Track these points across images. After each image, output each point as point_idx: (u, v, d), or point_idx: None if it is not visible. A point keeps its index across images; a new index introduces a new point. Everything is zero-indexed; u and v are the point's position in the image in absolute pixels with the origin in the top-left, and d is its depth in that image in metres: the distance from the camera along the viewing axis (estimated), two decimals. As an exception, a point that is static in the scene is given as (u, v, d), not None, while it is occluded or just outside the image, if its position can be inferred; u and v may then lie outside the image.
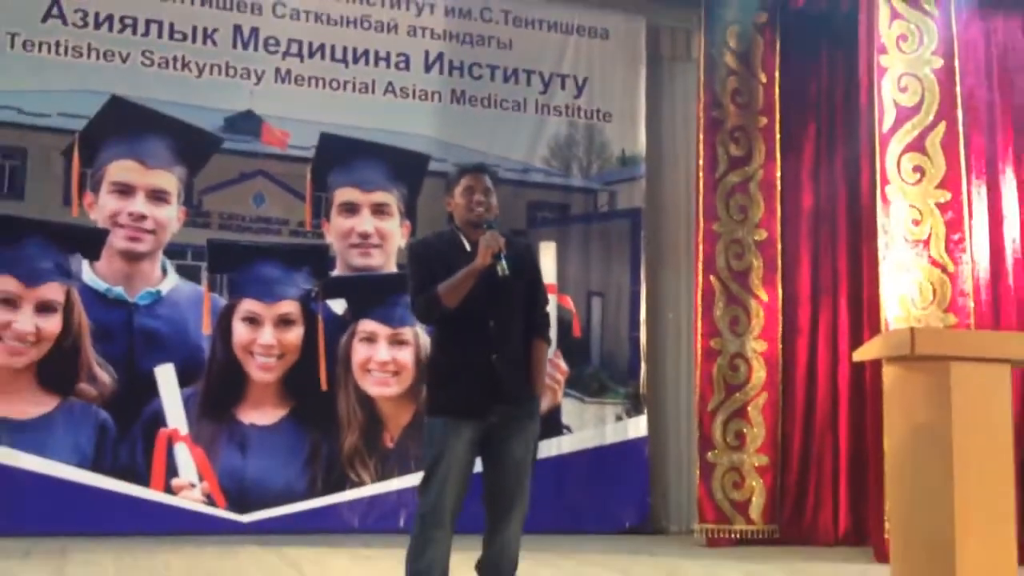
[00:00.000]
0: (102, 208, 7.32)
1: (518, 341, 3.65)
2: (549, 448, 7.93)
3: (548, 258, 8.16)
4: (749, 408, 7.42)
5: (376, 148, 7.89)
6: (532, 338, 3.72)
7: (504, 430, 3.59)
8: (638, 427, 8.22)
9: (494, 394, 3.57)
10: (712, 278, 7.51)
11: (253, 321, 7.51)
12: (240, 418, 7.42)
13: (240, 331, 7.48)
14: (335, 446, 7.55)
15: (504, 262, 3.51)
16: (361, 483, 7.56)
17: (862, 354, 4.00)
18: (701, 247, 7.56)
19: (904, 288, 6.68)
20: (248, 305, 7.52)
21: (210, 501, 7.27)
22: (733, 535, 7.25)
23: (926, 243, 6.75)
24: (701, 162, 7.63)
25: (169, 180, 7.49)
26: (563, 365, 8.08)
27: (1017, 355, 3.82)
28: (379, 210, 7.85)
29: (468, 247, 3.62)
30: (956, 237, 6.77)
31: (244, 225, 7.64)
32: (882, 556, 6.42)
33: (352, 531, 7.43)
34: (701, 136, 7.66)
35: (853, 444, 7.61)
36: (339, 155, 7.81)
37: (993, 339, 3.81)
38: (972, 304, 6.73)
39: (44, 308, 7.09)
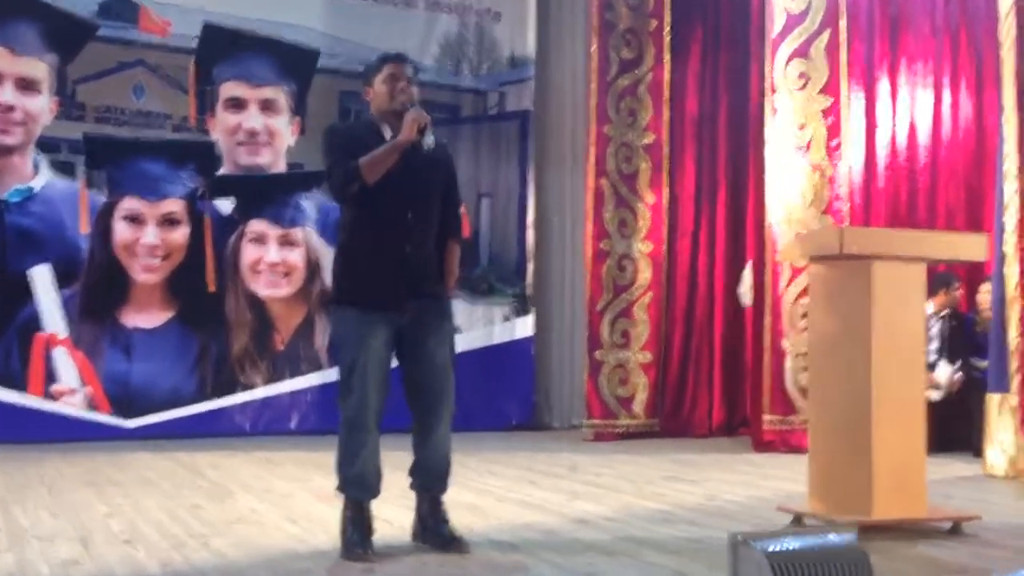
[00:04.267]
0: (-35, 98, 6.84)
1: (432, 238, 3.53)
2: (440, 348, 8.00)
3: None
4: (635, 307, 7.66)
5: (264, 41, 7.61)
6: (446, 237, 3.61)
7: (420, 331, 3.45)
8: (525, 327, 8.39)
9: (408, 287, 3.42)
10: (603, 181, 7.64)
11: (135, 220, 7.22)
12: (123, 321, 7.18)
13: (121, 230, 7.19)
14: (224, 349, 7.42)
15: (430, 138, 3.40)
16: (252, 386, 7.48)
17: (785, 255, 4.21)
18: (592, 150, 7.66)
19: (786, 192, 6.97)
20: (129, 203, 7.22)
21: (93, 406, 7.05)
22: (618, 430, 7.54)
23: (807, 147, 7.03)
24: (594, 64, 7.67)
25: (39, 68, 7.04)
26: (454, 264, 8.11)
27: (931, 254, 4.10)
28: (267, 106, 7.60)
29: (387, 136, 3.45)
30: (834, 143, 7.08)
31: (123, 119, 7.27)
32: (760, 445, 6.84)
33: (243, 434, 7.36)
34: (594, 38, 7.68)
35: (728, 342, 8.01)
36: (224, 47, 7.49)
37: (911, 239, 4.06)
38: (847, 207, 7.10)
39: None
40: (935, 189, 7.45)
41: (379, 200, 3.39)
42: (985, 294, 6.61)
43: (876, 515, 3.80)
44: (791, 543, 1.69)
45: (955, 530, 3.90)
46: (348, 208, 3.49)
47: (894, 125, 7.40)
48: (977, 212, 7.35)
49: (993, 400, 5.69)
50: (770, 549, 1.66)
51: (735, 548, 1.71)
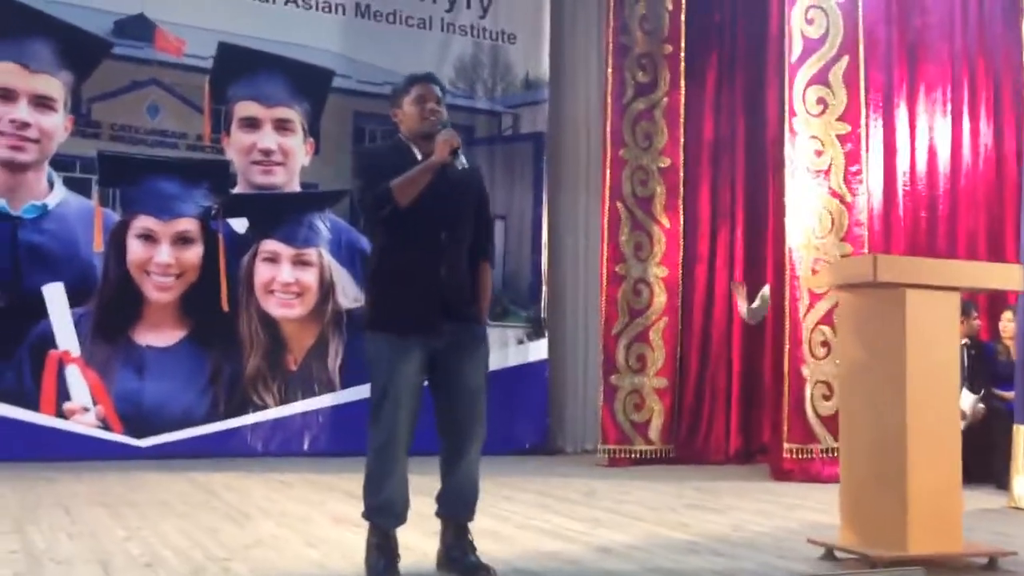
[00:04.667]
0: (-19, 115, 6.81)
1: (465, 259, 3.46)
2: (452, 370, 7.94)
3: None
4: (651, 332, 7.60)
5: (278, 61, 7.59)
6: (478, 260, 3.52)
7: (455, 355, 3.37)
8: (539, 350, 8.33)
9: (444, 310, 3.34)
10: (618, 204, 7.59)
11: (149, 239, 7.18)
12: (136, 340, 7.13)
13: (135, 249, 7.15)
14: (237, 368, 7.36)
15: (462, 158, 3.33)
16: (264, 406, 7.41)
17: (814, 282, 4.15)
18: (608, 173, 7.62)
19: (805, 217, 6.92)
20: (143, 222, 7.18)
21: (105, 425, 6.99)
22: (633, 455, 7.46)
23: (827, 173, 6.99)
24: (610, 88, 7.64)
25: (54, 86, 7.01)
26: (467, 288, 8.06)
27: (965, 283, 4.04)
28: (282, 126, 7.58)
29: (419, 157, 3.40)
30: (854, 169, 7.04)
31: (138, 137, 7.24)
32: (779, 474, 6.75)
33: (255, 455, 7.29)
34: (610, 61, 7.66)
35: (745, 368, 7.94)
36: (239, 67, 7.48)
37: (944, 268, 4.00)
38: (866, 233, 7.05)
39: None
40: (955, 216, 7.41)
41: (411, 222, 3.33)
42: (1007, 322, 6.55)
43: (911, 550, 3.71)
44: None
45: (991, 565, 3.83)
46: (380, 231, 3.42)
47: (913, 152, 7.37)
48: (999, 240, 7.32)
49: (1020, 431, 5.61)
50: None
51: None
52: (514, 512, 4.93)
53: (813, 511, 5.30)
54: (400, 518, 3.37)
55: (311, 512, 4.85)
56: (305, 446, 7.47)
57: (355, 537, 4.12)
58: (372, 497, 3.36)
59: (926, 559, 3.74)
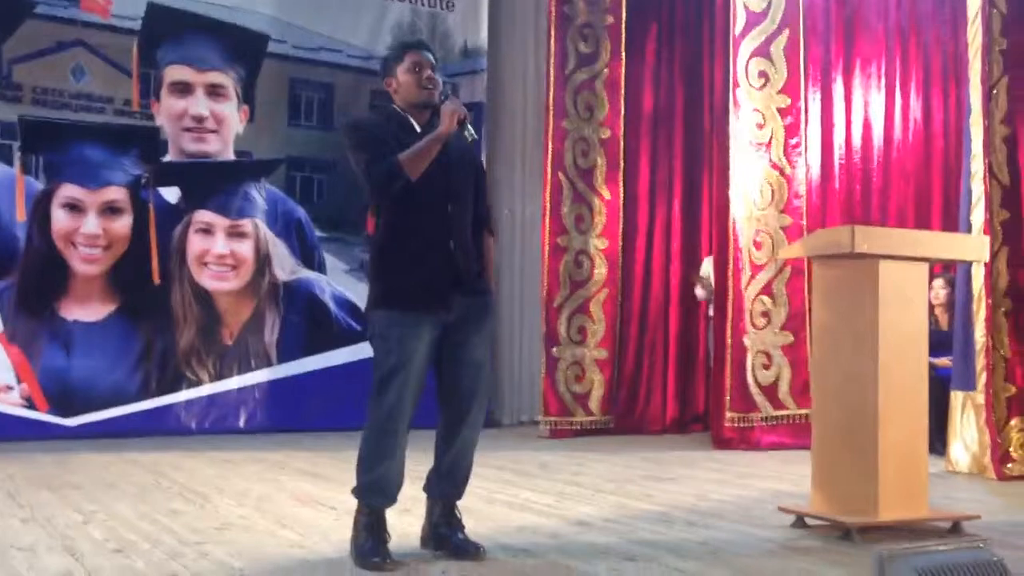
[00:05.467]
0: None
1: (470, 231, 3.41)
2: (391, 344, 7.83)
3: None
4: (591, 304, 7.61)
5: (210, 24, 7.32)
6: (481, 230, 3.49)
7: (464, 328, 3.31)
8: (476, 322, 8.24)
9: (455, 283, 3.27)
10: (560, 175, 7.56)
11: (75, 208, 6.88)
12: (63, 314, 6.84)
13: (60, 219, 6.84)
14: (170, 344, 7.12)
15: (470, 129, 3.27)
16: (199, 382, 7.20)
17: (789, 252, 4.18)
18: (550, 144, 7.57)
19: (747, 189, 6.99)
20: (68, 191, 6.87)
21: (30, 404, 6.69)
22: (574, 426, 7.48)
23: (768, 146, 7.07)
24: (552, 58, 7.58)
25: (-29, 47, 6.62)
26: (405, 260, 7.94)
27: (935, 254, 4.12)
28: (214, 92, 7.32)
29: (419, 128, 3.31)
30: (794, 141, 7.13)
31: (62, 101, 6.91)
32: (721, 443, 6.85)
33: (189, 433, 7.08)
34: (552, 32, 7.59)
35: (681, 339, 8.02)
36: (169, 29, 7.19)
37: (917, 240, 4.06)
38: (805, 205, 7.16)
39: None
40: (887, 189, 7.55)
41: (418, 196, 3.23)
42: (938, 290, 6.71)
43: (882, 516, 3.78)
44: (938, 559, 1.62)
45: (955, 529, 3.93)
46: (386, 206, 3.30)
47: (849, 126, 7.48)
48: (926, 212, 7.50)
49: (957, 398, 5.78)
50: (919, 566, 1.58)
51: (881, 565, 1.63)
52: (478, 487, 4.83)
53: (765, 479, 5.38)
54: (392, 498, 3.29)
55: (269, 491, 4.71)
56: (241, 423, 7.28)
57: (326, 517, 4.05)
58: (366, 475, 3.26)
59: (895, 524, 3.83)
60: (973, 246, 4.17)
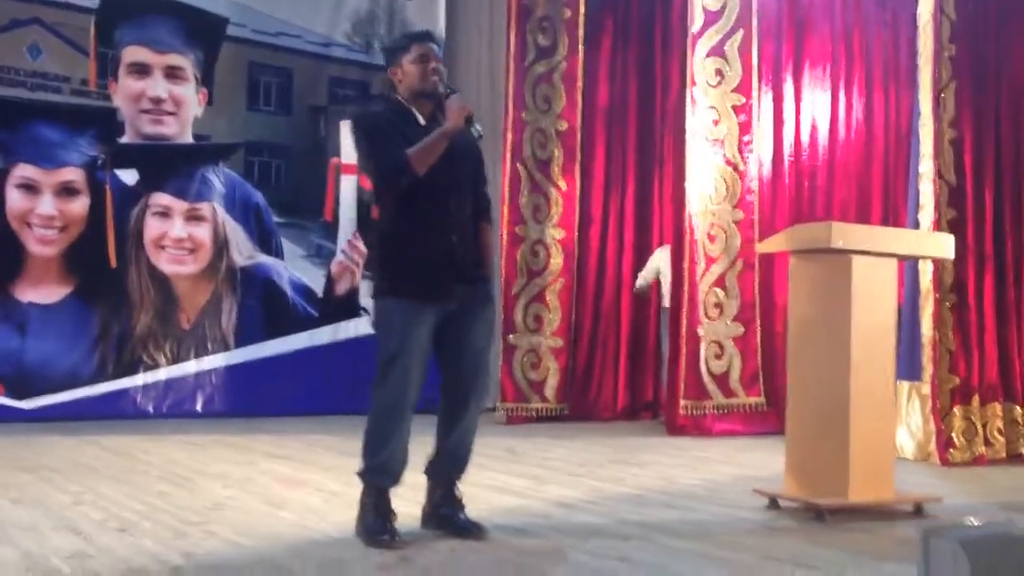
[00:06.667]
0: None
1: (470, 222, 3.52)
2: (347, 330, 7.89)
3: (349, 137, 7.92)
4: (547, 293, 7.75)
5: (169, 5, 7.27)
6: (479, 220, 3.59)
7: (466, 316, 3.40)
8: (431, 309, 8.32)
9: (457, 274, 3.38)
10: (519, 166, 7.67)
11: (30, 188, 6.78)
12: (17, 296, 6.74)
13: (15, 199, 6.73)
14: (127, 327, 7.06)
15: (478, 125, 3.37)
16: (155, 366, 7.15)
17: (767, 246, 4.35)
18: (509, 135, 7.67)
19: (703, 184, 7.20)
20: (24, 170, 6.76)
21: (-17, 386, 6.58)
22: (530, 413, 7.62)
23: (722, 142, 7.28)
24: (511, 50, 7.68)
25: (-77, 21, 6.47)
26: (361, 246, 8.00)
27: (904, 251, 4.35)
28: (173, 74, 7.26)
29: (422, 120, 3.40)
30: (746, 138, 7.36)
31: (17, 80, 6.79)
32: (674, 429, 7.05)
33: (146, 417, 7.04)
34: (512, 24, 7.69)
35: (632, 328, 8.21)
36: (128, 9, 7.11)
37: (888, 237, 4.28)
38: (756, 200, 7.40)
39: None
40: (832, 186, 7.84)
41: (421, 188, 3.31)
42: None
43: (852, 498, 3.99)
44: (977, 533, 1.77)
45: (918, 511, 4.16)
46: (389, 196, 3.38)
47: (798, 124, 7.74)
48: (866, 209, 7.81)
49: (902, 387, 6.05)
50: (962, 538, 1.73)
51: (927, 541, 1.77)
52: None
53: (725, 464, 5.59)
54: (397, 478, 3.37)
55: (249, 474, 4.75)
56: (199, 407, 7.26)
57: (315, 499, 4.12)
58: (372, 457, 3.34)
59: (864, 506, 4.05)
60: (940, 244, 4.40)
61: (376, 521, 3.30)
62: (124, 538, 3.29)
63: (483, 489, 4.46)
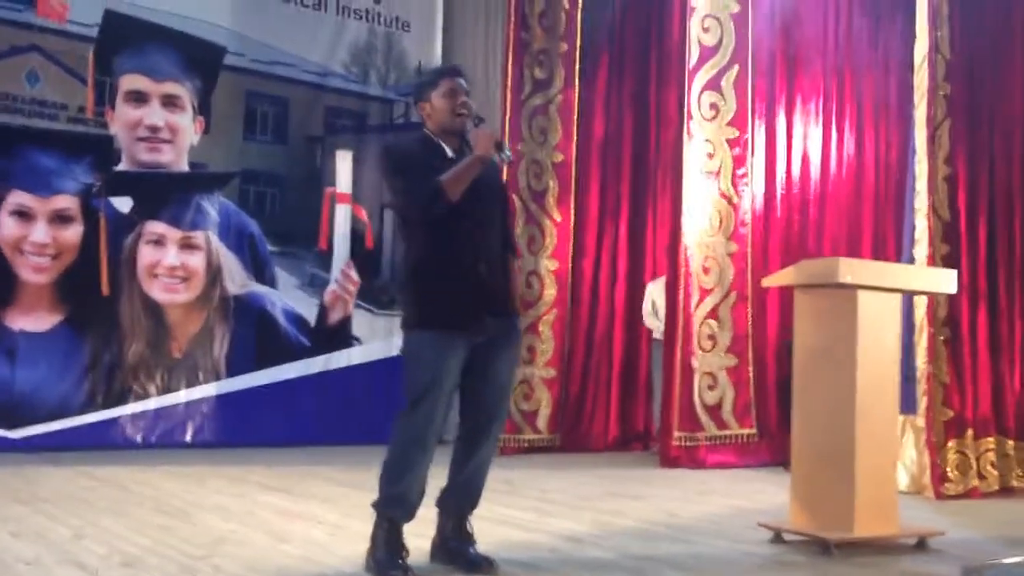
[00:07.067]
0: None
1: (498, 254, 3.50)
2: (340, 360, 7.86)
3: (345, 167, 7.96)
4: (540, 324, 7.74)
5: (168, 33, 7.25)
6: (507, 253, 3.58)
7: (494, 349, 3.39)
8: (424, 340, 8.30)
9: (487, 306, 3.40)
10: (514, 197, 7.68)
11: (24, 215, 6.73)
12: (8, 323, 6.67)
13: (9, 226, 6.68)
14: (117, 356, 7.00)
15: (507, 152, 3.38)
16: (146, 396, 7.08)
17: (774, 280, 4.38)
18: (505, 166, 7.68)
19: (697, 217, 7.24)
20: (18, 197, 6.72)
21: (-28, 415, 6.50)
22: (522, 443, 7.60)
23: (717, 175, 7.34)
24: (509, 82, 7.72)
25: (-80, 47, 6.44)
26: (355, 276, 7.99)
27: (907, 286, 4.38)
28: (170, 102, 7.25)
29: (450, 154, 3.42)
30: (740, 172, 7.41)
31: (15, 106, 6.75)
32: (668, 461, 7.04)
33: (135, 447, 6.97)
34: (510, 56, 7.73)
35: (624, 360, 8.22)
36: (126, 37, 7.10)
37: (894, 272, 4.31)
38: (750, 233, 7.44)
39: None
40: (823, 220, 7.90)
41: (451, 220, 3.31)
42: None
43: (857, 532, 4.00)
44: (1016, 572, 1.77)
45: (921, 545, 4.16)
46: (420, 229, 3.37)
47: (789, 158, 7.81)
48: (856, 243, 7.86)
49: (898, 420, 6.07)
50: None
51: None
52: (453, 502, 4.94)
53: (723, 496, 5.59)
54: (412, 512, 3.36)
55: (247, 507, 4.70)
56: (188, 437, 7.19)
57: (319, 532, 4.08)
58: (390, 487, 3.32)
59: (869, 540, 4.05)
60: (942, 279, 4.44)
61: (388, 556, 3.28)
62: (131, 573, 3.24)
63: (485, 522, 4.41)
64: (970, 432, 5.97)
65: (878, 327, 4.10)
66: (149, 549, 3.62)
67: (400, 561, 3.27)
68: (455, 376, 3.36)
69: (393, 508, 3.32)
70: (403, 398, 3.38)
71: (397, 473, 3.34)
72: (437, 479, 3.50)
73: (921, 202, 6.04)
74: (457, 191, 3.28)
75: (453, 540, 3.46)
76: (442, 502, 3.48)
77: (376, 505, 3.35)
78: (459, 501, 3.47)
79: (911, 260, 6.09)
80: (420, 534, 3.49)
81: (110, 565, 3.35)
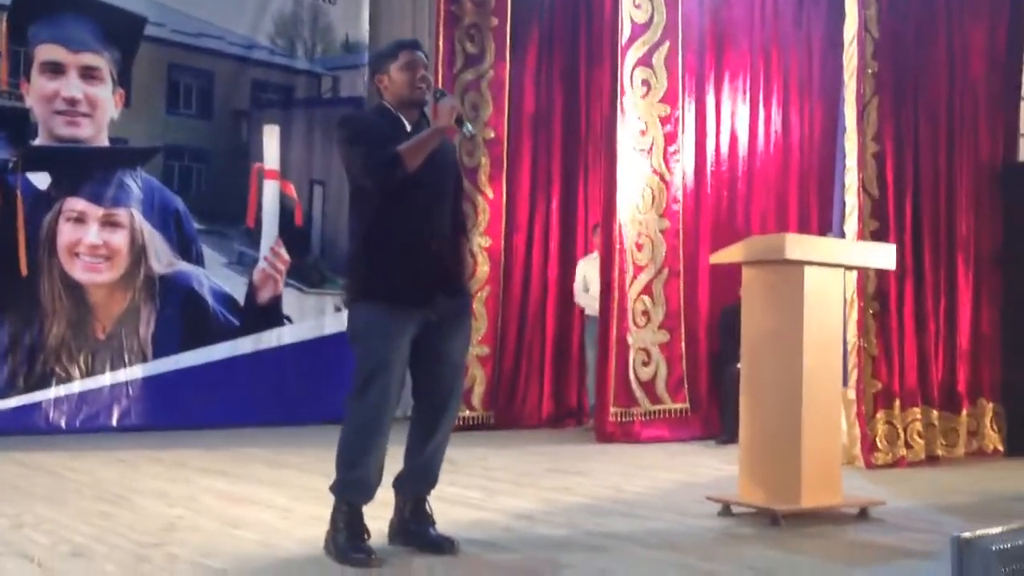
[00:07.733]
0: None
1: (450, 232, 3.43)
2: (270, 339, 7.72)
3: (272, 142, 7.78)
4: (475, 301, 7.70)
5: (85, 3, 6.98)
6: (458, 232, 3.51)
7: (445, 328, 3.32)
8: (355, 318, 8.20)
9: (439, 283, 3.33)
10: (451, 174, 7.60)
11: (-65, 193, 6.41)
12: (-80, 306, 6.36)
13: (-81, 204, 6.36)
14: (38, 338, 6.75)
15: (468, 125, 3.32)
16: (69, 379, 6.84)
17: (721, 257, 4.40)
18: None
19: (631, 193, 7.27)
20: (-72, 173, 6.39)
21: None
22: (457, 421, 7.52)
23: (649, 152, 7.38)
24: (440, 57, 7.62)
25: None
26: (284, 254, 7.84)
27: (851, 261, 4.46)
28: (88, 74, 6.98)
29: (408, 127, 3.33)
30: (672, 149, 7.47)
31: (-78, 77, 6.42)
32: (604, 436, 7.09)
33: (58, 432, 6.74)
34: (441, 30, 7.65)
35: (558, 336, 8.24)
36: (41, 6, 6.80)
37: (836, 248, 4.38)
38: (681, 210, 7.51)
39: None
40: (751, 196, 8.01)
41: (404, 193, 3.24)
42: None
43: (804, 503, 4.08)
44: (1017, 540, 1.81)
45: (863, 514, 4.26)
46: (371, 201, 3.28)
47: (718, 135, 7.89)
48: (784, 219, 8.01)
49: (829, 393, 6.21)
50: (998, 547, 1.77)
51: (959, 547, 1.81)
52: (398, 482, 4.90)
53: (663, 470, 5.66)
54: (371, 495, 3.30)
55: (189, 491, 4.57)
56: (114, 421, 6.98)
57: (271, 516, 4.00)
58: (347, 471, 3.25)
59: (815, 511, 4.14)
60: (883, 255, 4.53)
61: (350, 539, 3.22)
62: (83, 563, 3.13)
63: (437, 501, 4.39)
64: (897, 403, 6.14)
65: (823, 302, 4.18)
66: (96, 538, 3.49)
67: (362, 544, 3.22)
68: (406, 355, 3.29)
69: (351, 492, 3.26)
70: (351, 379, 3.29)
71: (353, 457, 3.28)
72: (393, 460, 3.45)
73: (851, 178, 6.16)
74: (415, 161, 3.21)
75: (412, 522, 3.42)
76: (400, 484, 3.43)
77: (334, 489, 3.28)
78: (417, 483, 3.43)
79: (840, 235, 6.22)
80: (376, 516, 3.44)
81: (58, 555, 3.23)
